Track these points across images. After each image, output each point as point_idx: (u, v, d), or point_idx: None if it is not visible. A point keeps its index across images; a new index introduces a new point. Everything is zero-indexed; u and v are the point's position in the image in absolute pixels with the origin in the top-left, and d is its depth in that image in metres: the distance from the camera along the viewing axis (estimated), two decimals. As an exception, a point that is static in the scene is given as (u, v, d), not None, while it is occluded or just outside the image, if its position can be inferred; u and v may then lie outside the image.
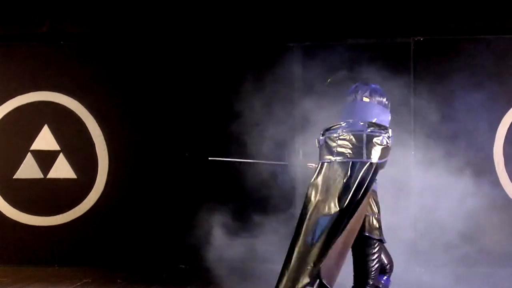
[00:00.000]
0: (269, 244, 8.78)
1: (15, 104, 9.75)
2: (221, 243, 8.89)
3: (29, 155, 9.70)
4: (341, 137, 6.26)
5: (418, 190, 9.10)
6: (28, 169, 9.71)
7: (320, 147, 6.35)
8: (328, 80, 6.34)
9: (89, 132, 9.70)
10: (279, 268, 6.17)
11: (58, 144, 9.71)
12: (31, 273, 9.26)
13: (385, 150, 6.20)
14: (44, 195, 9.70)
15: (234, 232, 9.00)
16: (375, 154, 6.13)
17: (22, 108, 9.75)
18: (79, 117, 9.71)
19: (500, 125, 9.25)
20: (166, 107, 9.65)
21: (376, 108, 6.38)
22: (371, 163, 6.10)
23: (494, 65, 9.27)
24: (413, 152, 9.24)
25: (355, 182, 6.04)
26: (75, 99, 9.71)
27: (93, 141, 9.69)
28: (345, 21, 9.49)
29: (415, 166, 9.12)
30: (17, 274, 9.18)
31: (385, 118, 6.41)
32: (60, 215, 9.70)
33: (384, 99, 6.48)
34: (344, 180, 6.07)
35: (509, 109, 9.25)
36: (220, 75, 9.59)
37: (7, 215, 9.74)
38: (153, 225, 9.58)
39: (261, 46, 9.59)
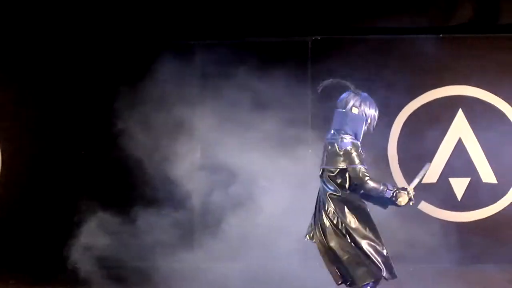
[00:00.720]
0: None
1: None
2: (110, 242, 8.91)
3: None
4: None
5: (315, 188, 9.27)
6: None
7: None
8: (320, 85, 6.33)
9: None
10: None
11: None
12: None
13: None
14: None
15: (120, 231, 9.02)
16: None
17: None
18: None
19: (395, 123, 9.52)
20: (59, 104, 9.54)
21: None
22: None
23: (390, 64, 9.48)
24: (310, 151, 9.43)
25: None
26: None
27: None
28: (244, 20, 9.58)
29: (313, 163, 9.29)
30: None
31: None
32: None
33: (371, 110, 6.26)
34: None
35: (403, 107, 9.52)
36: (114, 72, 9.55)
37: None
38: (47, 226, 9.47)
39: (163, 43, 9.59)
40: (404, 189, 6.10)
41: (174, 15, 9.51)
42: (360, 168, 5.98)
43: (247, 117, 9.14)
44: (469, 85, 9.48)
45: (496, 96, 9.47)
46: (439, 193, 9.42)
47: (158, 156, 9.14)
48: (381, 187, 5.99)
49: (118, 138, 9.12)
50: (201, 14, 9.53)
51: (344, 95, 6.27)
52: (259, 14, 9.51)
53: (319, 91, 6.34)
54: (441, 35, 9.55)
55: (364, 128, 6.14)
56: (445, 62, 9.51)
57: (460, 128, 9.44)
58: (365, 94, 6.26)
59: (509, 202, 9.41)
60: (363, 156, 6.08)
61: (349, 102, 6.20)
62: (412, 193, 6.08)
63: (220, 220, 8.97)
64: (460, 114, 9.46)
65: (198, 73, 9.52)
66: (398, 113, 9.50)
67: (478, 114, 9.47)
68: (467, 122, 9.45)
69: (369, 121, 6.16)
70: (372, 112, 6.18)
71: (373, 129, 6.22)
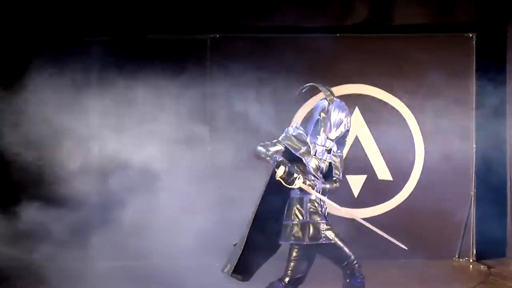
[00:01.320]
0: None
1: None
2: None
3: None
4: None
5: (216, 184, 9.29)
6: None
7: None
8: (301, 89, 6.30)
9: None
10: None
11: None
12: None
13: None
14: None
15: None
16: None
17: None
18: None
19: (293, 121, 9.56)
20: None
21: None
22: None
23: (289, 62, 9.55)
24: (209, 148, 9.44)
25: None
26: None
27: None
28: (143, 17, 9.52)
29: (211, 160, 9.34)
30: None
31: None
32: None
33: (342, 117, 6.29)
34: None
35: (301, 105, 9.62)
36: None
37: None
38: None
39: (60, 40, 9.46)
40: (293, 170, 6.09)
41: (72, 11, 9.37)
42: None
43: (146, 114, 9.10)
44: (365, 84, 9.64)
45: (390, 95, 9.67)
46: (336, 190, 9.51)
47: (51, 154, 8.97)
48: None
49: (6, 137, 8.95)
50: (100, 10, 9.41)
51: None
52: (159, 11, 9.45)
53: (298, 93, 6.32)
54: (338, 34, 9.69)
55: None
56: (341, 61, 9.66)
57: (356, 126, 9.60)
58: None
59: (403, 199, 9.63)
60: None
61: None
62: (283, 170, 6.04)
63: (114, 217, 8.88)
64: (356, 112, 9.62)
65: (95, 70, 9.39)
66: (297, 111, 9.59)
67: (374, 112, 9.65)
68: (363, 120, 9.62)
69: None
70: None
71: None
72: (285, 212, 6.15)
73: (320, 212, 6.21)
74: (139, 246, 9.02)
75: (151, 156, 8.96)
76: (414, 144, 9.66)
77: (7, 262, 8.65)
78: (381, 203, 9.63)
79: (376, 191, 9.62)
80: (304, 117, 6.16)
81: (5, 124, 9.07)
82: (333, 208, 9.26)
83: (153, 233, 8.98)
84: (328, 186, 6.29)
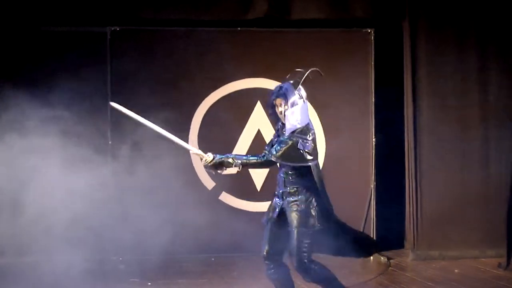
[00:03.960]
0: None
1: None
2: None
3: None
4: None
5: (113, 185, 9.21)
6: None
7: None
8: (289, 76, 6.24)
9: None
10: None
11: None
12: None
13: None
14: None
15: None
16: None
17: None
18: None
19: (195, 114, 9.57)
20: None
21: None
22: None
23: (190, 56, 9.56)
24: (110, 142, 9.32)
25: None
26: None
27: None
28: (39, 8, 9.28)
29: (112, 156, 9.24)
30: None
31: None
32: None
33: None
34: None
35: (203, 99, 9.60)
36: None
37: None
38: None
39: None
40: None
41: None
42: None
43: (45, 108, 8.85)
44: (267, 78, 9.68)
45: (291, 89, 9.72)
46: (239, 184, 9.57)
47: None
48: None
49: None
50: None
51: None
52: (58, 2, 9.24)
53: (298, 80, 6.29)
54: (239, 28, 9.70)
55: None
56: (243, 55, 9.69)
57: (259, 119, 9.63)
58: None
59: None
60: None
61: None
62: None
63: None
64: (258, 106, 9.65)
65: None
66: (199, 105, 9.56)
67: (275, 106, 9.68)
68: (265, 114, 9.65)
69: None
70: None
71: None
72: None
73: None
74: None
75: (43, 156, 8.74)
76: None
77: None
78: (283, 196, 9.66)
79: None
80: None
81: None
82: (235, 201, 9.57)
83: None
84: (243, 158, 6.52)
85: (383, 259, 9.43)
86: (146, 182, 8.94)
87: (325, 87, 9.63)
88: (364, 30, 9.87)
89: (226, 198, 9.60)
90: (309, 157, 6.13)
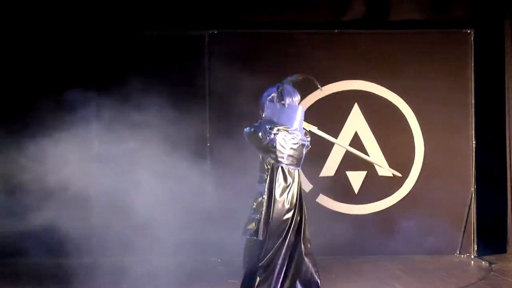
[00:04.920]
0: None
1: None
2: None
3: None
4: (294, 143, 6.22)
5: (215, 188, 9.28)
6: None
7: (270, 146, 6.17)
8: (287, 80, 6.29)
9: None
10: None
11: None
12: None
13: None
14: None
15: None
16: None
17: None
18: None
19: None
20: None
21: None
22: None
23: (287, 59, 9.50)
24: (208, 144, 9.40)
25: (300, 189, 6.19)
26: None
27: None
28: (140, 13, 9.45)
29: (211, 160, 9.32)
30: None
31: None
32: None
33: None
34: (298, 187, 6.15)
35: (300, 101, 9.51)
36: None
37: None
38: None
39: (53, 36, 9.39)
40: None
41: (67, 6, 9.31)
42: None
43: (144, 112, 9.01)
44: (364, 80, 9.61)
45: (389, 91, 9.64)
46: (337, 186, 9.53)
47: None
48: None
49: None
50: (94, 5, 9.35)
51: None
52: (156, 7, 9.40)
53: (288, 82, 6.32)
54: (336, 30, 9.65)
55: None
56: (340, 57, 9.63)
57: (356, 122, 9.57)
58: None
59: (404, 195, 9.60)
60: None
61: None
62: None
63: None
64: (356, 108, 9.59)
65: (94, 66, 9.33)
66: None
67: (373, 108, 9.63)
68: (362, 116, 9.58)
69: None
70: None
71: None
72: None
73: None
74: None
75: (147, 156, 8.89)
76: (413, 139, 9.63)
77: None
78: (381, 199, 9.59)
79: (376, 187, 9.58)
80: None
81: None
82: (332, 203, 9.55)
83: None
84: None
85: (484, 263, 9.24)
86: (244, 184, 8.99)
87: (424, 89, 9.53)
88: (463, 30, 9.69)
89: (324, 200, 9.57)
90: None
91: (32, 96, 9.14)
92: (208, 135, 9.42)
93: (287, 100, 6.20)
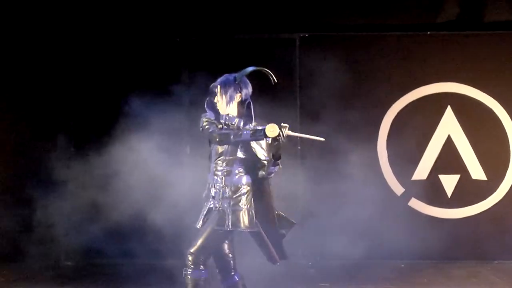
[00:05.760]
0: None
1: None
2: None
3: None
4: None
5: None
6: None
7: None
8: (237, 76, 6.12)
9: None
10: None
11: None
12: None
13: None
14: None
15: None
16: None
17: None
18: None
19: (383, 120, 9.49)
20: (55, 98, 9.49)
21: None
22: None
23: (378, 62, 9.47)
24: (299, 147, 9.41)
25: None
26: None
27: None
28: (232, 16, 9.54)
29: (303, 163, 9.33)
30: None
31: None
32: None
33: None
34: None
35: (392, 104, 9.49)
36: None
37: None
38: (38, 221, 9.37)
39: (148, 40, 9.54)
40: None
41: (161, 11, 9.44)
42: None
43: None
44: (457, 82, 9.47)
45: (483, 93, 9.47)
46: (429, 190, 9.41)
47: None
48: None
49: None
50: (188, 10, 9.47)
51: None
52: (247, 10, 9.46)
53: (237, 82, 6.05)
54: (428, 32, 9.54)
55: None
56: (433, 59, 9.50)
57: (449, 125, 9.43)
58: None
59: (498, 199, 9.41)
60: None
61: None
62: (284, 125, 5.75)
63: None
64: (449, 111, 9.45)
65: (185, 70, 9.45)
66: (387, 110, 9.48)
67: (467, 111, 9.47)
68: (455, 119, 9.44)
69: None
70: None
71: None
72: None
73: None
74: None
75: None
76: (509, 143, 9.43)
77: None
78: (475, 203, 9.42)
79: (469, 191, 9.42)
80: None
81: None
82: (424, 207, 9.42)
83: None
84: None
85: None
86: (334, 187, 8.98)
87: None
88: (562, 31, 9.48)
89: (416, 204, 9.45)
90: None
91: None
92: (298, 138, 9.41)
93: (244, 93, 6.02)
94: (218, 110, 5.95)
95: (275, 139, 5.66)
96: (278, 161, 5.88)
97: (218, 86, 5.97)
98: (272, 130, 5.62)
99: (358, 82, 9.47)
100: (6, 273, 8.82)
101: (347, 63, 9.42)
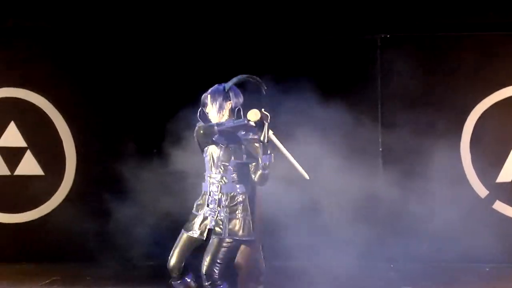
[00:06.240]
0: None
1: (-19, 101, 9.68)
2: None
3: (-4, 152, 9.67)
4: None
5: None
6: (-5, 166, 9.68)
7: None
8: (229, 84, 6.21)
9: (56, 129, 9.64)
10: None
11: (25, 141, 9.65)
12: (-2, 270, 9.22)
13: None
14: (11, 192, 9.61)
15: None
16: None
17: (-12, 105, 9.68)
18: (46, 113, 9.64)
19: (466, 122, 9.37)
20: (134, 102, 9.61)
21: None
22: None
23: (461, 62, 9.35)
24: (380, 149, 9.36)
25: None
26: (41, 95, 9.61)
27: (60, 137, 9.63)
28: (312, 18, 9.54)
29: (385, 165, 9.27)
30: (-16, 272, 9.13)
31: None
32: (28, 212, 9.63)
33: None
34: None
35: (475, 106, 9.37)
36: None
37: (-26, 212, 9.70)
38: (121, 221, 9.51)
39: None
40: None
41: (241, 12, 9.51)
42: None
43: (316, 115, 9.05)
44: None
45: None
46: (515, 193, 9.30)
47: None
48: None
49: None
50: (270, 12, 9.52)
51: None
52: (329, 12, 9.45)
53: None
54: (512, 32, 9.41)
55: None
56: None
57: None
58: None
59: None
60: None
61: None
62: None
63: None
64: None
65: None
66: (470, 112, 9.35)
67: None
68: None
69: None
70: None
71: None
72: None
73: None
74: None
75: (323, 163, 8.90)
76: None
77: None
78: None
79: None
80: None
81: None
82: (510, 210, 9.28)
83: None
84: None
85: None
86: (416, 189, 8.92)
87: None
88: None
89: (501, 207, 9.30)
90: None
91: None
92: (380, 140, 9.38)
93: (234, 101, 5.97)
94: (210, 119, 6.00)
95: (259, 124, 5.73)
96: (270, 154, 5.84)
97: (208, 96, 6.00)
98: (254, 114, 5.70)
99: (440, 83, 9.37)
100: (92, 273, 9.01)
101: (428, 64, 9.34)
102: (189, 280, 5.99)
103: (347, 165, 8.72)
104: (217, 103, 5.94)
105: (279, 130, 8.73)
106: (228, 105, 5.96)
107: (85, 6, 9.54)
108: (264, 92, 6.04)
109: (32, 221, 9.62)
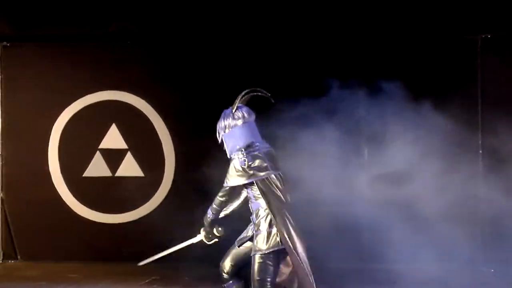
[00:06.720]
0: None
1: (84, 103, 9.90)
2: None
3: (97, 153, 9.87)
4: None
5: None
6: (97, 168, 9.88)
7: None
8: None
9: (156, 131, 9.81)
10: None
11: (126, 143, 9.87)
12: (99, 269, 9.42)
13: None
14: (112, 193, 9.83)
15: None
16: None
17: (90, 107, 9.90)
18: (146, 115, 9.83)
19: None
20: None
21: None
22: None
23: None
24: (480, 151, 9.20)
25: None
26: (142, 98, 9.83)
27: (160, 139, 9.80)
28: (412, 17, 9.45)
29: (484, 166, 9.11)
30: (86, 271, 9.36)
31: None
32: (128, 213, 9.86)
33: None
34: None
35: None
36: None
37: (76, 213, 9.91)
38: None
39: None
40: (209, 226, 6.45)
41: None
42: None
43: (413, 115, 8.95)
44: None
45: None
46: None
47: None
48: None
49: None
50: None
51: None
52: (428, 11, 9.35)
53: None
54: None
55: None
56: None
57: None
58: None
59: None
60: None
61: None
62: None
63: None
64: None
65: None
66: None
67: None
68: None
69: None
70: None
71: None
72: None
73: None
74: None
75: (419, 161, 8.82)
76: None
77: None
78: None
79: None
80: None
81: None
82: None
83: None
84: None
85: None
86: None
87: None
88: None
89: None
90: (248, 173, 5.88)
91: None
92: (480, 141, 9.22)
93: (245, 116, 6.14)
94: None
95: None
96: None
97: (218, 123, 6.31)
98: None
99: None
100: (190, 273, 9.13)
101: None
102: (233, 286, 6.15)
103: (447, 168, 8.64)
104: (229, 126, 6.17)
105: (379, 133, 8.88)
106: (239, 123, 6.11)
107: (185, 10, 9.69)
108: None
109: (132, 221, 9.85)
